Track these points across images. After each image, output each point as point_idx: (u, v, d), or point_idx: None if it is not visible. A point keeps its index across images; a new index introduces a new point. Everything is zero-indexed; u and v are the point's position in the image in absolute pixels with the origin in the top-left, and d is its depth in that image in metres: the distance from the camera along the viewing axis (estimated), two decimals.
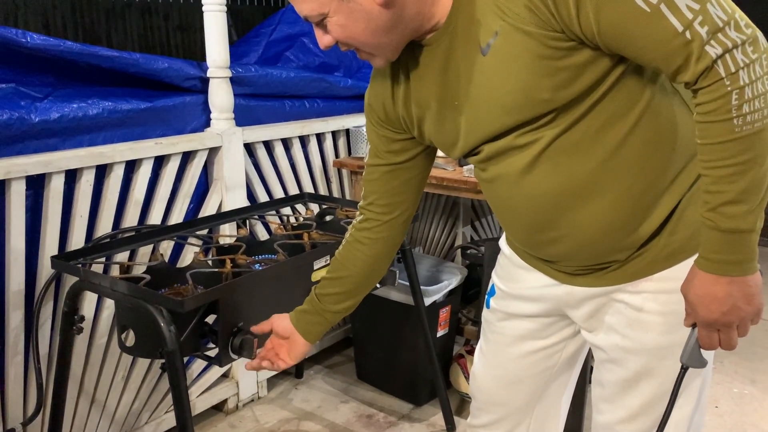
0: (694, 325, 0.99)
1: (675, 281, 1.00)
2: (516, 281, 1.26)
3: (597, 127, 0.98)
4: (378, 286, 1.97)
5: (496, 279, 1.32)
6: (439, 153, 2.52)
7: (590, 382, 1.29)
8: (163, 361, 1.43)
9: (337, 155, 2.69)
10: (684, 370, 1.02)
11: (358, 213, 1.28)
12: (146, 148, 1.94)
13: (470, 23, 0.96)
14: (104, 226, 1.89)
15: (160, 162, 2.02)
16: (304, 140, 2.53)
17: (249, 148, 2.29)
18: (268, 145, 2.38)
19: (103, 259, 1.71)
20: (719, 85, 0.85)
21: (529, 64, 0.92)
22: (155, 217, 2.03)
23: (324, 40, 1.00)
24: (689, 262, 0.97)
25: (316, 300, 1.31)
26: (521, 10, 0.90)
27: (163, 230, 1.88)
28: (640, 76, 0.96)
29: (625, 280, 1.09)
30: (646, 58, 0.89)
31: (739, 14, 0.85)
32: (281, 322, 1.34)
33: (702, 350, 1.00)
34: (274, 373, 2.53)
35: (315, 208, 2.26)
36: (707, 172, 0.90)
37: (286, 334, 1.33)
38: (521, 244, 1.20)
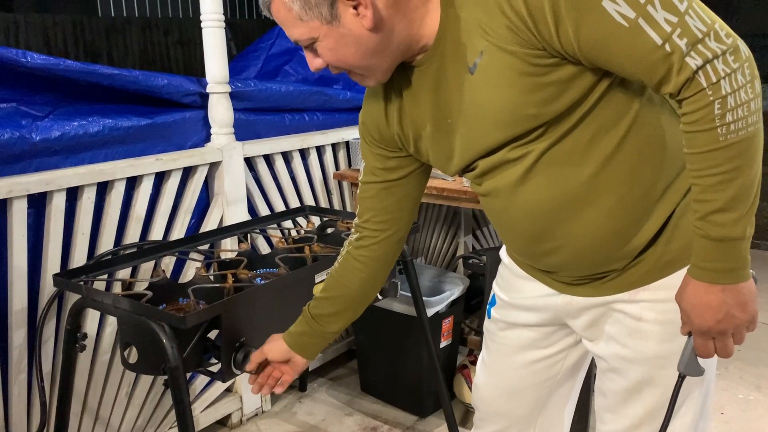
0: (690, 334, 0.99)
1: (673, 290, 1.00)
2: (516, 291, 1.26)
3: (587, 139, 0.98)
4: (380, 297, 1.96)
5: (496, 289, 1.32)
6: None
7: (594, 391, 1.29)
8: (166, 377, 1.43)
9: (337, 167, 2.69)
10: (681, 378, 1.02)
11: (353, 230, 1.29)
12: (147, 165, 1.95)
13: (457, 44, 0.98)
14: (106, 243, 1.90)
15: (160, 178, 2.03)
16: (304, 153, 2.54)
17: (249, 162, 2.30)
18: (268, 159, 2.39)
19: (105, 276, 1.71)
20: (701, 95, 0.86)
21: (514, 81, 0.93)
22: (157, 233, 2.03)
23: (315, 63, 1.02)
24: (686, 271, 0.98)
25: (313, 321, 1.30)
26: (503, 30, 0.91)
27: (165, 246, 1.88)
28: (627, 88, 0.97)
29: (623, 289, 1.09)
30: (628, 71, 0.90)
31: (719, 24, 0.86)
32: (276, 347, 1.33)
33: (699, 358, 1.00)
34: None
35: (316, 220, 2.27)
36: (696, 181, 0.91)
37: (285, 358, 1.33)
38: (519, 254, 1.21)
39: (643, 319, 1.09)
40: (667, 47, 0.84)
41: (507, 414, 1.34)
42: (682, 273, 0.99)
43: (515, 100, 0.95)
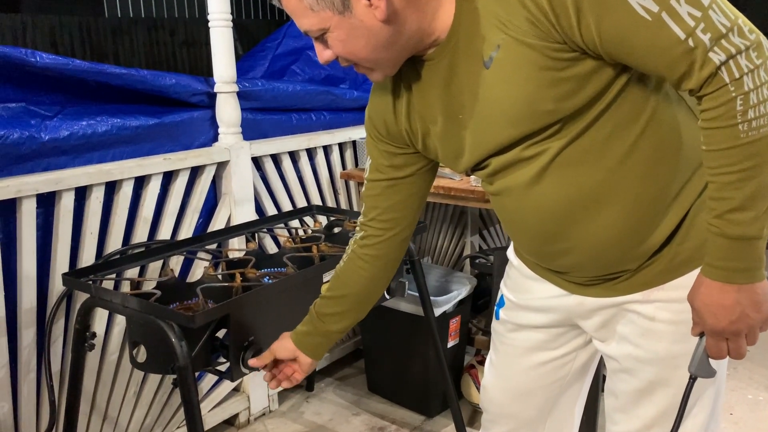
0: (702, 335, 0.98)
1: (687, 290, 0.99)
2: (525, 292, 1.25)
3: (603, 137, 0.97)
4: (387, 297, 1.96)
5: (505, 290, 1.31)
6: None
7: (603, 392, 1.28)
8: (174, 376, 1.43)
9: (344, 167, 2.69)
10: (693, 380, 1.01)
11: (358, 228, 1.27)
12: (155, 164, 1.95)
13: (472, 37, 0.96)
14: (114, 243, 1.90)
15: (168, 177, 2.03)
16: (311, 153, 2.54)
17: (257, 161, 2.30)
18: (275, 159, 2.39)
19: (113, 276, 1.71)
20: (723, 91, 0.85)
21: (532, 75, 0.92)
22: (165, 233, 2.03)
23: (324, 54, 1.00)
24: (699, 270, 0.97)
25: (318, 320, 1.30)
26: (522, 23, 0.90)
27: (173, 245, 1.88)
28: (645, 84, 0.96)
29: (636, 289, 1.09)
30: (649, 66, 0.89)
31: (743, 20, 0.85)
32: (284, 345, 1.33)
33: (711, 360, 0.99)
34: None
35: (323, 220, 2.27)
36: (713, 178, 0.89)
37: (291, 357, 1.33)
38: (530, 255, 1.20)
39: (657, 319, 1.08)
40: (691, 42, 0.83)
41: (516, 415, 1.33)
42: (696, 273, 0.98)
43: (532, 94, 0.93)
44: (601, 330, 1.17)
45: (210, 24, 2.10)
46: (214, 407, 2.28)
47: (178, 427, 2.20)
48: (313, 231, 2.10)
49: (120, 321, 1.92)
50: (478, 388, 2.36)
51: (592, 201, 1.01)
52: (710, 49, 0.83)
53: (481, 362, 2.43)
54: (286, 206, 2.44)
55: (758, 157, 0.86)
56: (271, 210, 2.38)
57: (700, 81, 0.85)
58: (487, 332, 2.60)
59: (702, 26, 0.83)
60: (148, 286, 1.68)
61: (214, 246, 1.99)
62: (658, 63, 0.87)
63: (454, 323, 2.40)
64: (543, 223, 1.06)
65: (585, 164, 0.99)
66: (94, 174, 1.80)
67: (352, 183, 2.71)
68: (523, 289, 1.26)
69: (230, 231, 2.06)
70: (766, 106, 0.84)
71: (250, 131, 2.27)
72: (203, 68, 5.56)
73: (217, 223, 2.18)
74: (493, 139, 1.01)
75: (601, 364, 1.55)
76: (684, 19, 0.83)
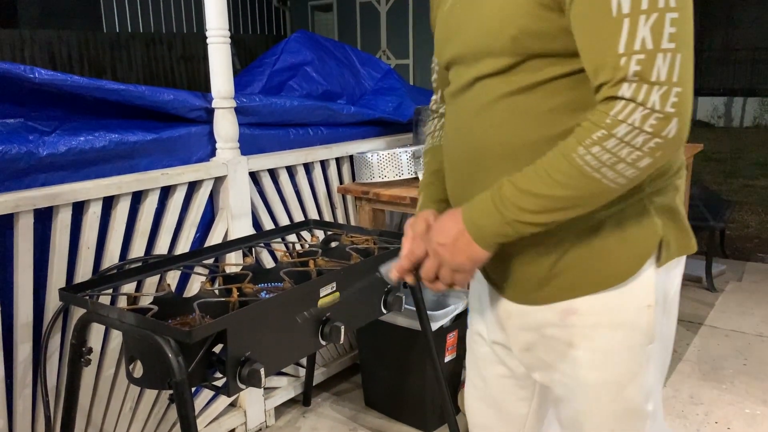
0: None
1: (600, 315, 1.00)
2: (477, 298, 1.26)
3: (548, 108, 0.95)
4: (384, 311, 1.96)
5: (470, 296, 1.33)
6: None
7: None
8: (171, 392, 1.43)
9: (341, 181, 2.70)
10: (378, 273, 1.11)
11: (434, 116, 1.31)
12: (152, 179, 1.96)
13: None
14: (111, 257, 1.90)
15: (166, 192, 2.04)
16: (308, 167, 2.55)
17: (254, 176, 2.31)
18: (272, 173, 2.40)
19: (110, 291, 1.71)
20: (601, 116, 0.84)
21: None
22: (162, 247, 2.04)
23: None
24: (615, 294, 0.98)
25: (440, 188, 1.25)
26: None
27: (170, 260, 1.88)
28: None
29: (550, 299, 1.06)
30: (582, 54, 0.88)
31: (682, 92, 0.81)
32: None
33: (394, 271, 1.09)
34: (282, 401, 2.52)
35: (320, 234, 2.27)
36: (540, 164, 0.90)
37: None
38: (451, 198, 1.18)
39: (574, 345, 1.06)
40: (621, 61, 0.82)
41: (492, 427, 1.31)
42: (610, 295, 0.99)
43: (508, 15, 0.93)
44: (527, 354, 1.15)
45: (208, 40, 2.11)
46: (211, 422, 2.27)
47: None
48: (311, 245, 2.10)
49: (116, 336, 1.91)
50: None
51: (512, 157, 0.99)
52: (627, 80, 0.82)
53: None
54: (283, 221, 2.45)
55: (573, 189, 0.87)
56: (268, 224, 2.39)
57: (602, 96, 0.85)
58: None
59: (641, 57, 0.81)
60: (145, 301, 1.67)
61: (211, 261, 2.00)
62: (590, 58, 0.86)
63: (451, 338, 2.40)
64: (466, 163, 1.07)
65: (522, 124, 0.97)
66: (91, 189, 1.81)
67: (349, 197, 2.72)
68: (476, 293, 1.26)
69: (227, 246, 2.06)
70: (611, 160, 0.84)
71: (248, 146, 2.28)
72: (201, 82, 5.59)
73: (214, 238, 2.19)
74: (465, 40, 1.02)
75: None
76: (636, 39, 0.81)
